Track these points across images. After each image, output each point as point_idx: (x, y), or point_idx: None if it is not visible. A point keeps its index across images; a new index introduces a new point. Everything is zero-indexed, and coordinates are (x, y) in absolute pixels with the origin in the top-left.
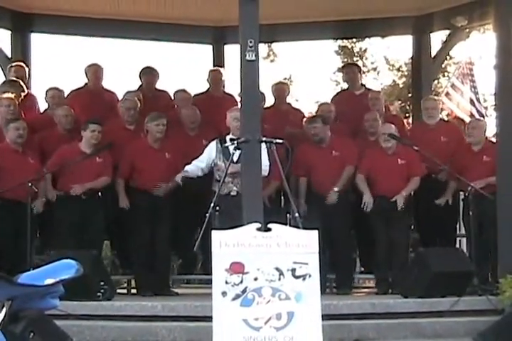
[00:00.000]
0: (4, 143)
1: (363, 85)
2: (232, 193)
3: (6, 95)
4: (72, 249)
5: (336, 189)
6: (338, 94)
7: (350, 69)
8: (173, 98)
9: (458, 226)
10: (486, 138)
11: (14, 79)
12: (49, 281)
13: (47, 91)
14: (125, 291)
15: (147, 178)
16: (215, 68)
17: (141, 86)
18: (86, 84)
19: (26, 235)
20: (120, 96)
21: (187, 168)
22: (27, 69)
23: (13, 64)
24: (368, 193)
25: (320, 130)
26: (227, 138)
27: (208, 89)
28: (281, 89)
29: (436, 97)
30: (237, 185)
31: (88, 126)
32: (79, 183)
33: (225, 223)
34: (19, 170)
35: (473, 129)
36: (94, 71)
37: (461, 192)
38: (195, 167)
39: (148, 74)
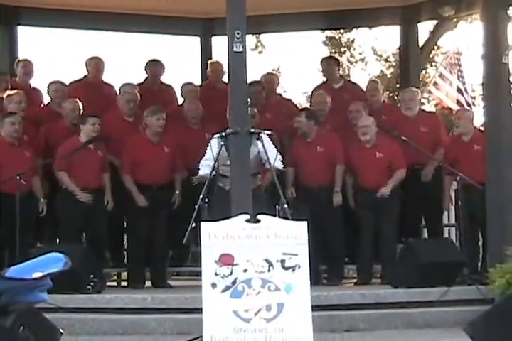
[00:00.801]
0: (0, 137)
1: (341, 77)
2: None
3: (14, 91)
4: (64, 243)
5: (337, 189)
6: (317, 88)
7: (327, 62)
8: (180, 90)
9: (448, 216)
10: (475, 127)
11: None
12: (37, 275)
13: (49, 84)
14: (115, 284)
15: (146, 172)
16: (215, 60)
17: (146, 78)
18: (85, 76)
19: (26, 228)
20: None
21: (202, 172)
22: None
23: (21, 59)
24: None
25: (303, 124)
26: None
27: (209, 80)
28: (270, 80)
29: (414, 88)
30: None
31: (87, 119)
32: (83, 178)
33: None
34: (15, 163)
35: (460, 120)
36: (96, 64)
37: (454, 182)
38: (208, 167)
39: (154, 66)
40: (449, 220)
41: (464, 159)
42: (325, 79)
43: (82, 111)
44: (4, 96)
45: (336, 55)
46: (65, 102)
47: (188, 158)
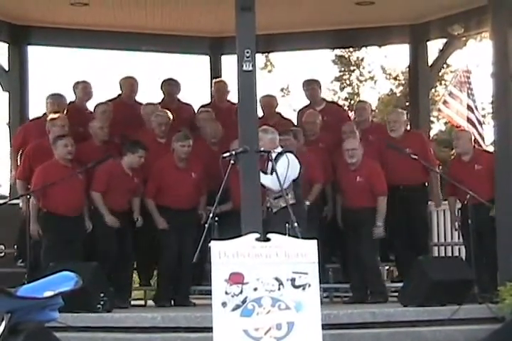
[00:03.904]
0: (53, 159)
1: (323, 100)
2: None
3: (57, 115)
4: (76, 261)
5: (307, 202)
6: (300, 110)
7: (310, 86)
8: (195, 116)
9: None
10: (474, 147)
11: (58, 92)
12: (48, 294)
13: (97, 106)
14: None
15: (171, 196)
16: (220, 79)
17: (164, 98)
18: (119, 95)
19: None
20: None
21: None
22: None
23: (80, 80)
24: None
25: (291, 143)
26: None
27: (213, 99)
28: (268, 102)
29: (399, 110)
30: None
31: (138, 150)
32: (119, 201)
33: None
34: (69, 184)
35: (458, 140)
36: (130, 84)
37: (458, 201)
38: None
39: (168, 85)
40: (458, 238)
41: (465, 179)
42: (308, 102)
43: (109, 129)
44: (48, 118)
45: (346, 74)
46: (93, 121)
47: (210, 179)
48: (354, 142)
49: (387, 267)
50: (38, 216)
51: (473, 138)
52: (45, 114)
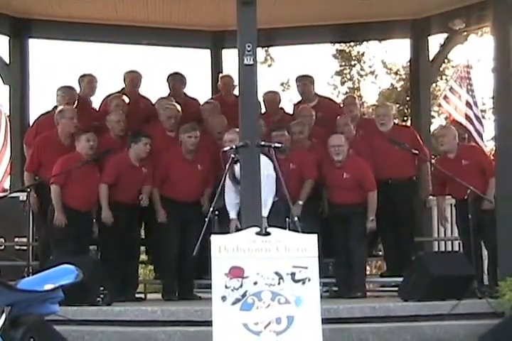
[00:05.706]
0: (75, 152)
1: (316, 95)
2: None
3: (67, 106)
4: (73, 254)
5: (300, 202)
6: (294, 106)
7: (302, 82)
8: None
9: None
10: (458, 143)
11: (69, 85)
12: (49, 287)
13: (111, 99)
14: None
15: (178, 189)
16: (226, 74)
17: (170, 92)
18: (123, 89)
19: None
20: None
21: None
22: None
23: (86, 73)
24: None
25: (286, 139)
26: None
27: (219, 94)
28: (272, 99)
29: (388, 103)
30: None
31: (141, 138)
32: (128, 194)
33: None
34: (87, 180)
35: (443, 137)
36: (133, 78)
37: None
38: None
39: (172, 79)
40: (444, 234)
41: (453, 175)
42: (301, 98)
43: (126, 123)
44: (57, 110)
45: (346, 68)
46: (110, 115)
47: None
48: (339, 138)
49: (374, 261)
50: (54, 208)
51: (457, 134)
52: (55, 106)
